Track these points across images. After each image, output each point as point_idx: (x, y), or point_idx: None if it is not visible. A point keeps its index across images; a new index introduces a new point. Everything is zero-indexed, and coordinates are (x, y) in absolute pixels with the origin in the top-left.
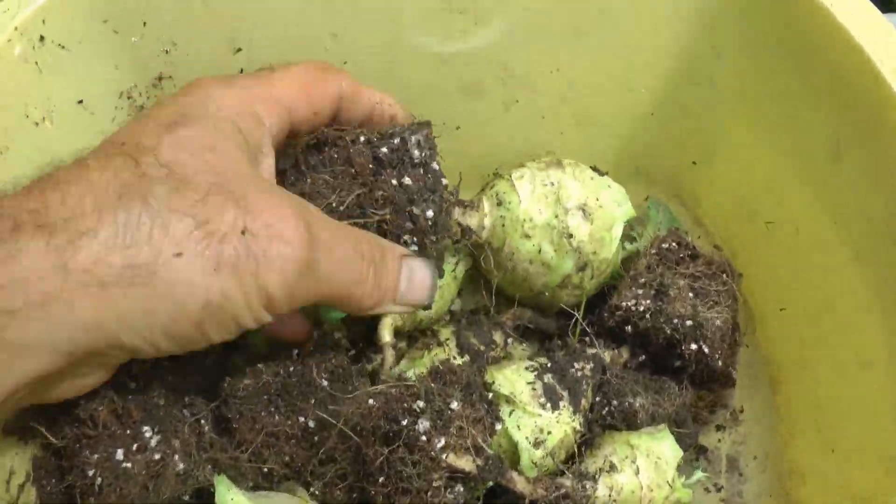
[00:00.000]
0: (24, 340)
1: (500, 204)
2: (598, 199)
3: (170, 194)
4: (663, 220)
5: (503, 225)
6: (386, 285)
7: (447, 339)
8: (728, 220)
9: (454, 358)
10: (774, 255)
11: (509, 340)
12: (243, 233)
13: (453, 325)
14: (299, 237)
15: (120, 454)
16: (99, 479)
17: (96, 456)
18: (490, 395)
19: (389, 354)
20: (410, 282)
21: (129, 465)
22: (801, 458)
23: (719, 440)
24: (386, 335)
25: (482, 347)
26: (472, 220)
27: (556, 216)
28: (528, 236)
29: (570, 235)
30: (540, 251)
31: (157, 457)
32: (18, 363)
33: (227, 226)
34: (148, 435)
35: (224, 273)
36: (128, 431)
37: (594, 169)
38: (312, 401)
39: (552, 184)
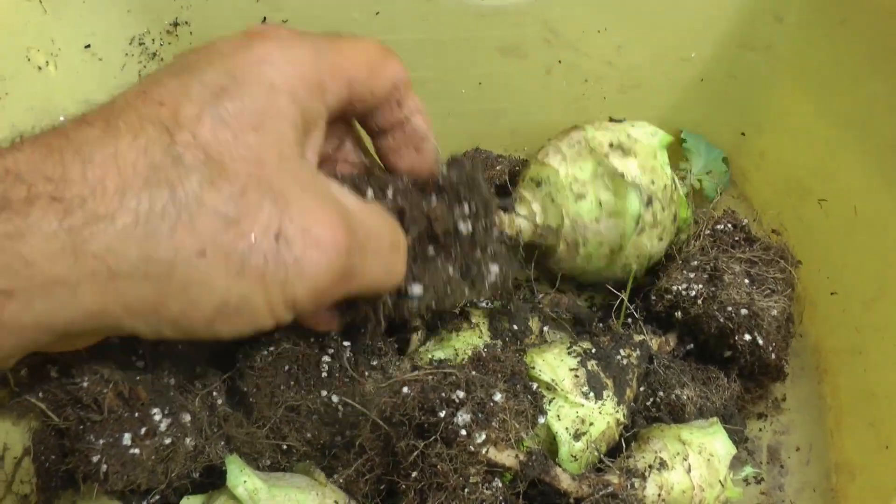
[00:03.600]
0: (19, 322)
1: (539, 185)
2: (629, 136)
3: (202, 186)
4: (703, 151)
5: (552, 200)
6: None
7: (479, 323)
8: (777, 197)
9: (486, 342)
10: (827, 235)
11: (545, 328)
12: (277, 238)
13: (484, 302)
14: (337, 245)
15: (127, 439)
16: (104, 466)
17: (102, 441)
18: (535, 385)
19: (417, 334)
20: None
21: (136, 451)
22: (849, 453)
23: (760, 429)
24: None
25: (515, 329)
26: (520, 216)
27: (599, 164)
28: (581, 196)
29: (621, 175)
30: (601, 203)
31: (167, 441)
32: (10, 341)
33: (260, 229)
34: (157, 418)
35: (248, 278)
36: (136, 415)
37: (610, 119)
38: (337, 375)
39: (578, 142)
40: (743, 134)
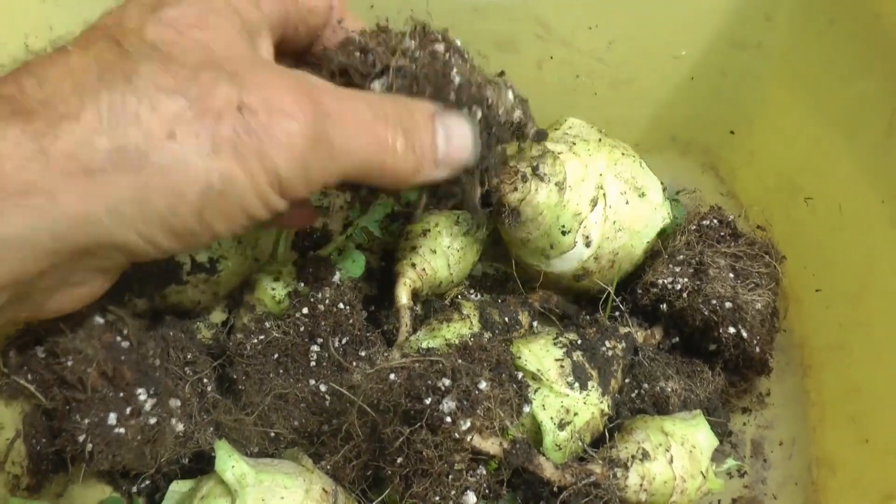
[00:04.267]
0: (0, 236)
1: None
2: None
3: (156, 72)
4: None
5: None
6: (422, 147)
7: (470, 315)
8: (765, 195)
9: (476, 333)
10: (813, 232)
11: (535, 323)
12: (240, 109)
13: (476, 294)
14: (302, 108)
15: (112, 419)
16: (90, 446)
17: (87, 421)
18: (520, 374)
19: (406, 318)
20: (449, 140)
21: (122, 430)
22: (831, 447)
23: (744, 423)
24: (403, 297)
25: (505, 321)
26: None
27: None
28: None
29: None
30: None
31: (152, 421)
32: None
33: (220, 102)
34: (143, 398)
35: (224, 154)
36: (121, 394)
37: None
38: (324, 363)
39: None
40: (732, 132)
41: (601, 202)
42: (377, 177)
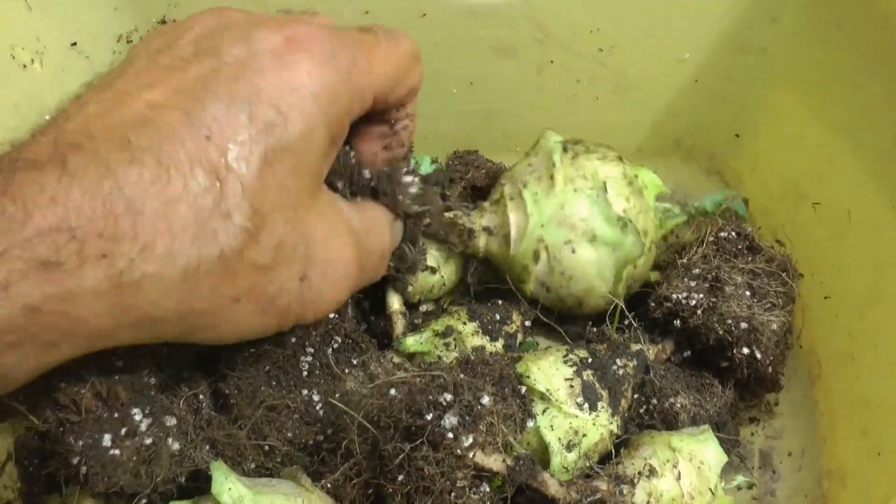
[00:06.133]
0: (56, 361)
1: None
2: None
3: (246, 242)
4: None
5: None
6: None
7: (458, 310)
8: (771, 200)
9: (464, 324)
10: (821, 239)
11: (527, 322)
12: (301, 280)
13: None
14: (349, 279)
15: (107, 440)
16: (84, 468)
17: (81, 443)
18: (523, 388)
19: (399, 322)
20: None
21: (117, 451)
22: (841, 459)
23: (752, 434)
24: (395, 302)
25: (496, 319)
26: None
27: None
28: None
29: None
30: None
31: (148, 441)
32: (29, 368)
33: (288, 274)
34: (138, 418)
35: (271, 315)
36: (115, 415)
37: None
38: (316, 373)
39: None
40: (737, 136)
41: (543, 255)
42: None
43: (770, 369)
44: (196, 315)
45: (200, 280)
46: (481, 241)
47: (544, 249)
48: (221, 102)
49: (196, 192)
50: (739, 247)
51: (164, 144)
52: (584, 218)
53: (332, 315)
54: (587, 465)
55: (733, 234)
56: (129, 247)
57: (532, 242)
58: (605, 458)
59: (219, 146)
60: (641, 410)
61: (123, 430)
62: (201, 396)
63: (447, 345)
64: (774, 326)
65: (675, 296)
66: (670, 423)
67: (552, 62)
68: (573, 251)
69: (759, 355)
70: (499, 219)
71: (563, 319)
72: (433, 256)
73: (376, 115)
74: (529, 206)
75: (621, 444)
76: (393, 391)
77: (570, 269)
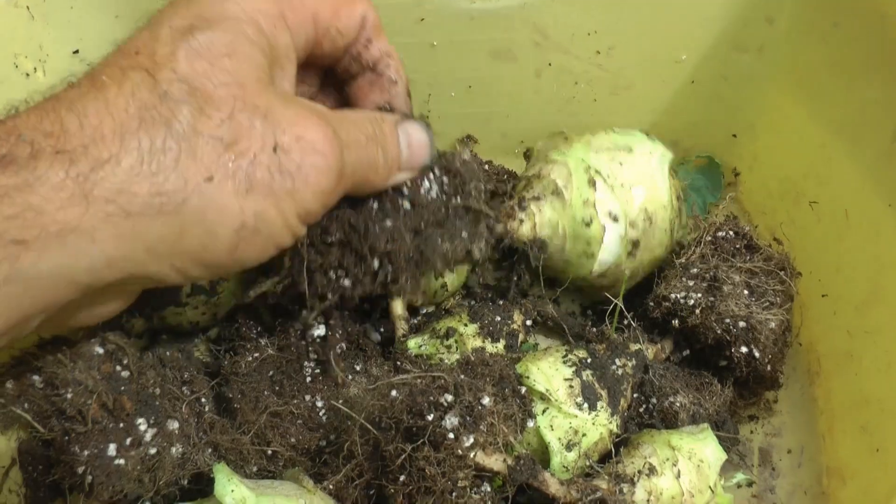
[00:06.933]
0: (37, 272)
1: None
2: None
3: (194, 115)
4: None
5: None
6: (391, 158)
7: (461, 313)
8: (769, 199)
9: (465, 326)
10: (819, 237)
11: (528, 322)
12: (275, 149)
13: (474, 303)
14: (331, 147)
15: (112, 450)
16: (90, 478)
17: (86, 452)
18: (523, 389)
19: (401, 326)
20: (410, 146)
21: (122, 461)
22: (841, 456)
23: (752, 431)
24: (398, 308)
25: (497, 320)
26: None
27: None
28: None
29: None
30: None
31: (152, 451)
32: (30, 294)
33: (257, 144)
34: (143, 428)
35: (258, 194)
36: (121, 425)
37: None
38: (320, 379)
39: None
40: (734, 135)
41: (598, 178)
42: (357, 190)
43: (769, 367)
44: (172, 200)
45: (160, 159)
46: (535, 209)
47: (596, 174)
48: (147, 29)
49: (131, 87)
50: (737, 246)
51: (98, 69)
52: (613, 143)
53: (332, 321)
54: (587, 464)
55: (731, 233)
56: (79, 138)
57: (583, 175)
58: (605, 458)
59: (146, 53)
60: (641, 409)
61: (129, 440)
62: (203, 400)
63: (449, 347)
64: (773, 325)
65: (673, 295)
66: (670, 421)
67: (550, 65)
68: (620, 164)
69: (757, 354)
70: (538, 187)
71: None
72: None
73: (353, 67)
74: (559, 158)
75: (621, 443)
76: (394, 392)
77: (625, 177)
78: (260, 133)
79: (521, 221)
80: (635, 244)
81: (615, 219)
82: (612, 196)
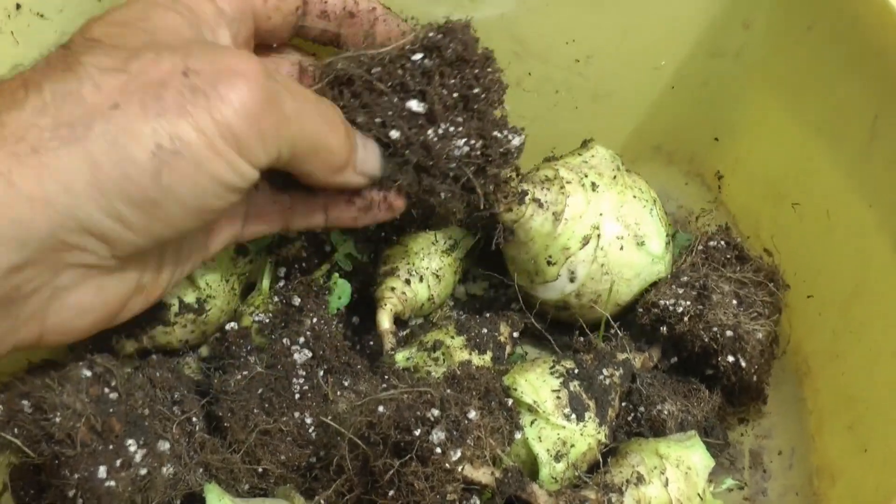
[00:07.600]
0: None
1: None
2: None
3: (98, 57)
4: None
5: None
6: (344, 141)
7: (447, 325)
8: (752, 201)
9: (452, 338)
10: (802, 239)
11: (516, 335)
12: (185, 74)
13: (462, 314)
14: (251, 67)
15: (102, 472)
16: (80, 501)
17: (76, 476)
18: (510, 401)
19: (389, 340)
20: (365, 149)
21: (112, 483)
22: (831, 456)
23: (742, 434)
24: (385, 322)
25: (483, 332)
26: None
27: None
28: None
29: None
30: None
31: (143, 472)
32: None
33: (164, 71)
34: (133, 449)
35: (170, 114)
36: (110, 447)
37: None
38: (309, 396)
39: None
40: (716, 139)
41: (593, 242)
42: (319, 158)
43: (755, 378)
44: (76, 129)
45: (63, 97)
46: (528, 212)
47: (596, 237)
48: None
49: (45, 60)
50: (728, 256)
51: None
52: (638, 223)
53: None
54: (576, 474)
55: (722, 243)
56: None
57: (585, 228)
58: (593, 468)
59: (68, 42)
60: (629, 418)
61: (119, 462)
62: (194, 419)
63: (436, 359)
64: (760, 335)
65: (662, 302)
66: (658, 430)
67: (530, 74)
68: (622, 248)
69: (743, 363)
70: (553, 196)
71: (552, 328)
72: (423, 276)
73: (330, 25)
74: (590, 193)
75: (609, 452)
76: (381, 408)
77: (611, 264)
78: (169, 62)
79: (510, 210)
80: (567, 306)
81: (572, 280)
82: (587, 265)
